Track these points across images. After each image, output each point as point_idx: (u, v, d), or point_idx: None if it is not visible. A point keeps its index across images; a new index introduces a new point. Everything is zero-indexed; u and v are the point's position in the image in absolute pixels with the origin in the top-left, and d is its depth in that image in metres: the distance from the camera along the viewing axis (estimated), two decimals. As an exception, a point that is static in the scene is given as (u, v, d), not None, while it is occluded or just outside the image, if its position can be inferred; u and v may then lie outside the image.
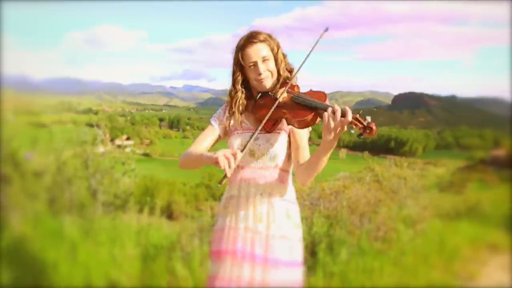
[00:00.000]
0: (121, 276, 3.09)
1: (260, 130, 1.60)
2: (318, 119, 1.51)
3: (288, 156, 1.68)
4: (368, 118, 1.40)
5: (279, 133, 1.65)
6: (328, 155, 1.49)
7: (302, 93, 1.62)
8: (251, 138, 1.53)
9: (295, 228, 1.67)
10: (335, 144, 1.47)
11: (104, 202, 4.03)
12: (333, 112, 1.40)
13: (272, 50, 1.64)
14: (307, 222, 3.58)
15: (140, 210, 4.17)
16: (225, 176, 1.42)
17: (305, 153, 1.65)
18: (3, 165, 3.58)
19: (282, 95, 1.59)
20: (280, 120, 1.65)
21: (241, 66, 1.66)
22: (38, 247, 3.25)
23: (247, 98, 1.69)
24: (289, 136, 1.69)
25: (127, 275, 3.11)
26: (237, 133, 1.68)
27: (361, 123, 1.40)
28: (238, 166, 1.64)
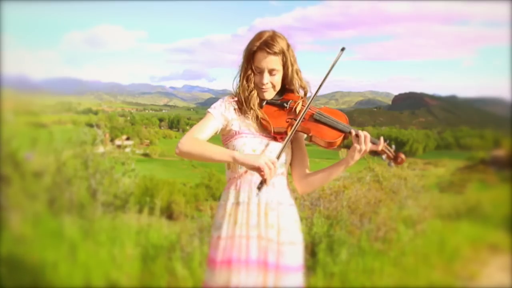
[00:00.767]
0: (121, 276, 3.08)
1: (269, 139, 1.62)
2: (343, 141, 1.59)
3: (288, 162, 1.68)
4: (393, 146, 1.55)
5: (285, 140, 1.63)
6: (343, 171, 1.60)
7: (322, 110, 1.62)
8: (283, 147, 1.53)
9: (300, 232, 1.67)
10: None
11: (104, 202, 4.02)
12: (358, 136, 1.52)
13: (284, 64, 1.59)
14: (307, 222, 3.58)
15: (140, 210, 4.16)
16: (265, 182, 1.45)
17: (307, 160, 1.69)
18: (3, 165, 3.57)
19: (304, 111, 1.57)
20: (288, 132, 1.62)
21: (251, 65, 1.60)
22: (38, 247, 3.24)
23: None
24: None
25: (127, 275, 3.11)
26: (246, 136, 1.62)
27: (390, 152, 1.55)
28: (246, 172, 1.60)
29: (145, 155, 74.90)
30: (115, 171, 4.27)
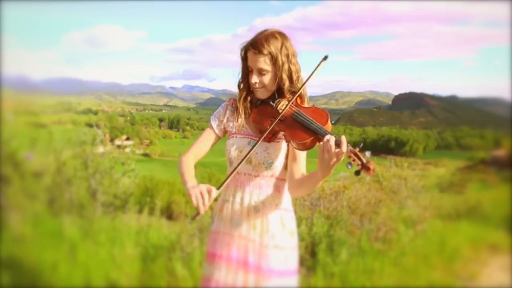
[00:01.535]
0: (121, 277, 3.08)
1: (255, 137, 1.62)
2: (317, 143, 1.43)
3: (285, 165, 1.64)
4: (367, 154, 1.33)
5: (278, 142, 1.61)
6: (322, 180, 1.43)
7: (303, 109, 1.56)
8: (247, 154, 1.50)
9: (290, 236, 1.64)
10: (330, 173, 1.38)
11: (104, 203, 4.02)
12: (328, 140, 1.32)
13: (274, 64, 1.55)
14: (307, 222, 3.58)
15: (140, 211, 4.16)
16: (198, 213, 1.39)
17: (301, 165, 1.60)
18: (3, 165, 3.57)
19: (284, 110, 1.53)
20: (278, 132, 1.61)
21: (246, 63, 1.61)
22: (37, 247, 3.24)
23: (251, 101, 1.66)
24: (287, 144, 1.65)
25: (127, 275, 3.11)
26: (235, 136, 1.65)
27: (360, 159, 1.30)
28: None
29: (145, 155, 74.99)
30: (115, 171, 4.27)
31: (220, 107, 1.73)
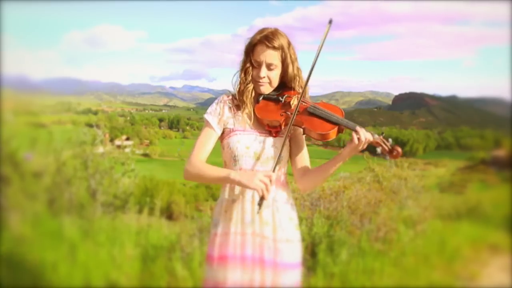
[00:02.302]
0: (121, 277, 3.08)
1: (265, 135, 1.61)
2: (338, 134, 1.57)
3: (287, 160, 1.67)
4: (390, 140, 1.52)
5: (282, 136, 1.60)
6: (339, 165, 1.59)
7: (318, 104, 1.61)
8: (282, 147, 1.55)
9: (296, 229, 1.66)
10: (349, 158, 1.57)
11: (104, 203, 4.02)
12: (358, 131, 1.49)
13: (283, 60, 1.58)
14: (307, 222, 3.58)
15: (140, 211, 4.16)
16: (263, 198, 1.45)
17: (307, 158, 1.67)
18: (3, 165, 3.57)
19: (298, 104, 1.55)
20: (283, 126, 1.62)
21: (250, 58, 1.61)
22: (37, 247, 3.24)
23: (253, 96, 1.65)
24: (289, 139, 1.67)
25: (126, 275, 3.11)
26: (239, 133, 1.62)
27: (386, 145, 1.52)
28: (240, 169, 1.60)
29: (145, 155, 74.96)
30: (114, 171, 4.27)
31: (214, 105, 1.68)
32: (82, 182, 4.03)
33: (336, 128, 1.54)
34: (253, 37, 1.59)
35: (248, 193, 1.59)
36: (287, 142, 1.63)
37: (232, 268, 1.56)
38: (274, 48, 1.55)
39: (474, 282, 3.74)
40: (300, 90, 1.62)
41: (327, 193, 4.02)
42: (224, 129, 1.65)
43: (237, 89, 1.65)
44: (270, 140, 1.61)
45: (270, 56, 1.56)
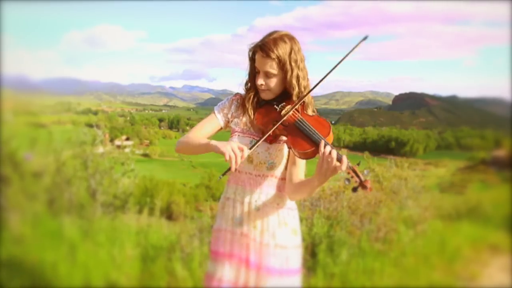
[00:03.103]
0: (121, 277, 3.08)
1: (257, 137, 1.61)
2: (317, 154, 1.46)
3: (286, 166, 1.65)
4: (366, 172, 1.38)
5: (279, 143, 1.61)
6: (318, 187, 1.50)
7: (307, 117, 1.56)
8: (253, 146, 1.51)
9: (292, 235, 1.64)
10: (326, 181, 1.45)
11: (104, 203, 4.02)
12: (330, 153, 1.37)
13: (282, 68, 1.55)
14: (307, 223, 3.57)
15: (140, 211, 4.16)
16: (229, 169, 1.42)
17: (299, 170, 1.63)
18: (3, 165, 3.56)
19: (287, 115, 1.54)
20: (280, 136, 1.61)
21: (254, 64, 1.62)
22: (37, 247, 3.24)
23: (257, 101, 1.66)
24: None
25: (126, 276, 3.10)
26: (238, 135, 1.65)
27: (358, 177, 1.36)
28: (236, 170, 1.58)
29: (145, 155, 75.01)
30: (114, 172, 4.27)
31: (225, 100, 1.73)
32: (82, 182, 4.02)
33: (313, 149, 1.46)
34: (255, 44, 1.58)
35: (239, 193, 1.63)
36: (281, 148, 1.61)
37: (221, 264, 1.62)
38: (269, 57, 1.53)
39: (475, 283, 3.73)
40: (295, 99, 1.59)
41: (327, 193, 4.02)
42: (230, 126, 1.70)
43: (244, 94, 1.69)
44: (264, 145, 1.60)
45: (266, 65, 1.54)
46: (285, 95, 1.63)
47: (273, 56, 1.52)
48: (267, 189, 1.62)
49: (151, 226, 3.78)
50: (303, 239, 3.35)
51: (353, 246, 3.60)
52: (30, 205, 3.60)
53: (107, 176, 4.14)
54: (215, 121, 1.68)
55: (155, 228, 3.77)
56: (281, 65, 1.54)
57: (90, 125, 4.63)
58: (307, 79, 1.61)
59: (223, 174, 1.46)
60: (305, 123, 1.53)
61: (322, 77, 1.52)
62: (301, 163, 1.63)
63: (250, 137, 1.64)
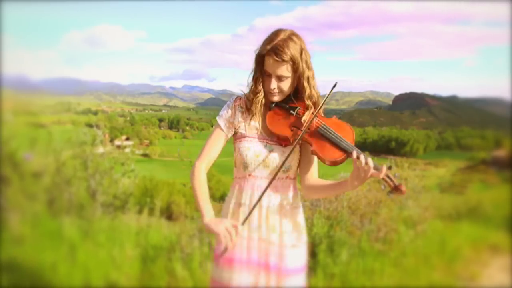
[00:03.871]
0: (121, 277, 3.08)
1: (275, 143, 1.60)
2: (346, 160, 1.50)
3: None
4: (397, 175, 1.42)
5: (292, 145, 1.59)
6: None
7: (327, 122, 1.55)
8: (279, 168, 1.54)
9: (303, 233, 1.67)
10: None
11: (104, 203, 4.02)
12: (359, 160, 1.41)
13: (295, 71, 1.52)
14: (308, 223, 3.57)
15: (140, 211, 4.17)
16: (226, 249, 1.47)
17: (314, 169, 1.66)
18: (2, 165, 3.56)
19: (309, 123, 1.52)
20: (291, 140, 1.59)
21: (261, 68, 1.57)
22: (37, 248, 3.24)
23: (265, 104, 1.62)
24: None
25: (126, 276, 3.10)
26: (250, 140, 1.61)
27: (393, 182, 1.44)
28: (249, 175, 1.61)
29: (145, 155, 75.03)
30: (114, 172, 4.27)
31: (226, 107, 1.66)
32: (82, 182, 4.02)
33: (344, 156, 1.48)
34: (263, 47, 1.52)
35: (255, 198, 1.58)
36: (296, 150, 1.61)
37: (238, 271, 1.58)
38: (283, 61, 1.49)
39: (475, 283, 3.73)
40: (308, 102, 1.58)
41: (327, 193, 4.01)
42: (236, 131, 1.65)
43: (247, 96, 1.63)
44: (279, 149, 1.60)
45: (280, 69, 1.51)
46: (295, 96, 1.61)
47: (287, 59, 1.48)
48: (283, 191, 1.63)
49: (151, 226, 3.78)
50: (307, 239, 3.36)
51: (353, 246, 3.59)
52: (30, 205, 3.59)
53: (107, 176, 4.14)
54: (222, 135, 1.63)
55: (155, 228, 3.77)
56: (295, 67, 1.52)
57: (90, 125, 4.62)
58: (315, 77, 1.59)
59: (222, 255, 1.51)
60: (330, 129, 1.52)
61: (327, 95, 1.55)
62: (316, 161, 1.65)
63: (264, 141, 1.61)
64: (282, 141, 1.59)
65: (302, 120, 1.56)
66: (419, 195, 5.34)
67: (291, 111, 1.58)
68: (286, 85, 1.55)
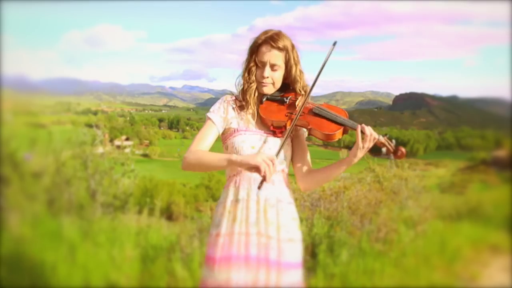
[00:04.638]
0: (120, 277, 3.07)
1: (270, 135, 1.63)
2: (343, 134, 1.61)
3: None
4: (394, 141, 1.54)
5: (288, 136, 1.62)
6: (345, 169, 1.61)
7: (321, 105, 1.64)
8: (284, 141, 1.55)
9: (298, 229, 1.67)
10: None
11: (103, 203, 4.01)
12: (364, 133, 1.51)
13: (287, 62, 1.61)
14: (308, 223, 3.57)
15: (140, 211, 4.16)
16: (264, 180, 1.45)
17: (308, 158, 1.70)
18: (2, 165, 3.56)
19: (303, 105, 1.58)
20: (288, 126, 1.63)
21: (254, 57, 1.63)
22: (37, 248, 3.23)
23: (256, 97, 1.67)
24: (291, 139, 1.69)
25: (126, 276, 3.10)
26: (244, 133, 1.62)
27: (391, 146, 1.55)
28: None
29: (145, 155, 74.99)
30: (114, 172, 4.26)
31: (218, 104, 1.68)
32: (82, 182, 4.02)
33: (341, 129, 1.57)
34: (258, 37, 1.61)
35: (253, 192, 1.59)
36: (288, 141, 1.65)
37: (237, 269, 1.55)
38: (279, 49, 1.58)
39: (475, 283, 3.73)
40: (302, 92, 1.65)
41: (327, 193, 4.01)
42: (227, 129, 1.65)
43: (241, 89, 1.66)
44: (274, 140, 1.62)
45: (275, 56, 1.58)
46: (283, 89, 1.67)
47: (282, 47, 1.58)
48: (279, 185, 1.63)
49: (151, 227, 3.77)
50: (304, 240, 3.36)
51: (353, 247, 3.59)
52: (30, 205, 3.59)
53: (107, 177, 4.13)
54: (215, 128, 1.63)
55: (155, 228, 3.77)
56: (287, 58, 1.60)
57: (89, 125, 4.63)
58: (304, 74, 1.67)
59: (260, 188, 1.50)
60: (324, 108, 1.61)
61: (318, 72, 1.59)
62: (308, 153, 1.70)
63: (258, 133, 1.64)
64: (277, 129, 1.62)
65: (296, 104, 1.62)
66: (419, 195, 5.35)
67: (284, 99, 1.65)
68: (278, 76, 1.61)
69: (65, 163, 3.99)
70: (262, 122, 1.65)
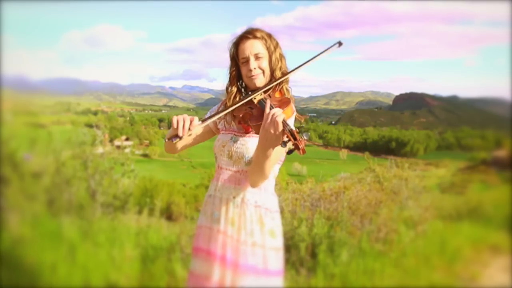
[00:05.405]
0: (120, 278, 3.07)
1: (238, 133, 1.65)
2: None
3: None
4: (305, 136, 1.32)
5: (255, 137, 1.60)
6: (267, 155, 1.41)
7: (273, 98, 1.61)
8: (209, 117, 1.53)
9: (270, 236, 1.61)
10: (270, 148, 1.39)
11: (103, 203, 4.01)
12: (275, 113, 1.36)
13: (267, 48, 1.63)
14: (308, 223, 3.56)
15: (140, 211, 4.16)
16: (177, 135, 1.42)
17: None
18: (2, 165, 3.56)
19: (257, 96, 1.58)
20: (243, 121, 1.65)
21: (236, 62, 1.66)
22: (36, 248, 3.23)
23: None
24: None
25: (126, 276, 3.10)
26: (222, 133, 1.71)
27: (293, 136, 1.32)
28: (219, 167, 1.67)
29: (145, 155, 75.00)
30: (114, 172, 4.26)
31: (215, 106, 1.78)
32: (82, 182, 4.02)
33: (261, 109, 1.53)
34: (233, 42, 1.66)
35: (219, 189, 1.64)
36: (240, 139, 1.64)
37: (199, 260, 1.64)
38: (256, 37, 1.61)
39: (475, 283, 3.72)
40: (278, 75, 1.64)
41: (328, 193, 4.01)
42: (217, 127, 1.74)
43: (227, 94, 1.70)
44: (242, 139, 1.63)
45: (255, 46, 1.61)
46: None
47: (259, 35, 1.61)
48: (245, 186, 1.62)
49: (150, 227, 3.78)
50: (304, 240, 3.36)
51: (354, 247, 3.59)
52: (30, 205, 3.59)
53: (107, 177, 4.13)
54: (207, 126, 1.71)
55: (154, 228, 3.77)
56: (267, 45, 1.62)
57: (89, 126, 4.62)
58: (286, 71, 1.65)
59: (170, 139, 1.43)
60: (265, 100, 1.53)
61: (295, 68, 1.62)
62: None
63: (231, 133, 1.67)
64: (243, 127, 1.62)
65: (253, 99, 1.59)
66: (420, 196, 5.34)
67: (249, 93, 1.62)
68: (265, 64, 1.63)
69: (65, 163, 3.99)
70: (238, 123, 1.67)
